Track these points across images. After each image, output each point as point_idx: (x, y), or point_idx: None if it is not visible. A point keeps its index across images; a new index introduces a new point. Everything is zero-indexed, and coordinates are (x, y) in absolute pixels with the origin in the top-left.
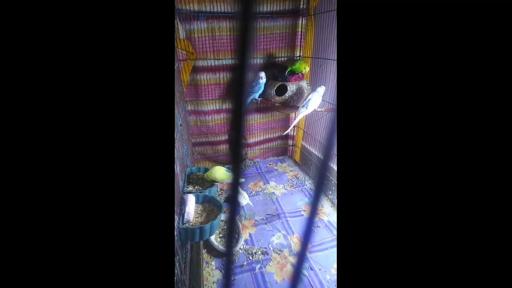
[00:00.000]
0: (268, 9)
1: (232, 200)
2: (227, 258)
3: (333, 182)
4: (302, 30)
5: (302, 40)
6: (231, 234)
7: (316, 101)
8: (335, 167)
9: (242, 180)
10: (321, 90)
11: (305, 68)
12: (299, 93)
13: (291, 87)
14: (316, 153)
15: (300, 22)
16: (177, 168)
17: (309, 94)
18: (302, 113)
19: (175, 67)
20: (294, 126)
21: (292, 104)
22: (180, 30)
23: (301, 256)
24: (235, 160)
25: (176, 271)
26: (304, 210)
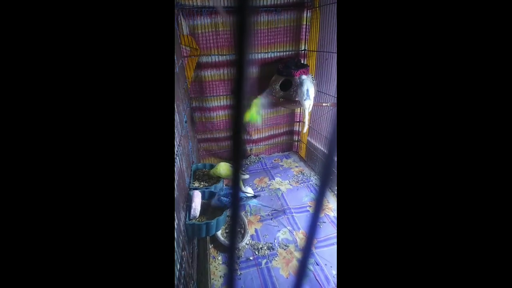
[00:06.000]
0: (272, 2)
1: (234, 196)
2: (230, 254)
3: None
4: (307, 23)
5: (307, 33)
6: (234, 231)
7: (313, 89)
8: None
9: (246, 176)
10: (311, 78)
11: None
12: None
13: (296, 82)
14: (322, 148)
15: (305, 15)
16: (183, 165)
17: (303, 85)
18: (308, 105)
19: (180, 64)
20: (307, 121)
21: (297, 99)
22: (184, 26)
23: (307, 251)
24: (236, 156)
25: (183, 265)
26: (310, 206)
